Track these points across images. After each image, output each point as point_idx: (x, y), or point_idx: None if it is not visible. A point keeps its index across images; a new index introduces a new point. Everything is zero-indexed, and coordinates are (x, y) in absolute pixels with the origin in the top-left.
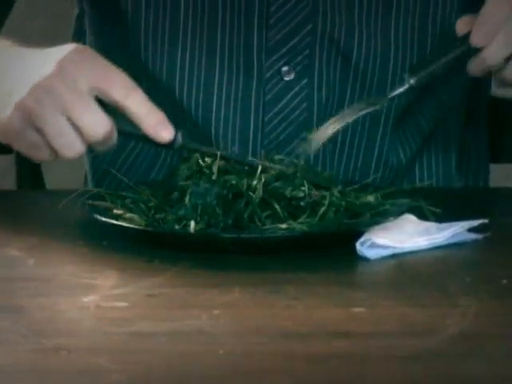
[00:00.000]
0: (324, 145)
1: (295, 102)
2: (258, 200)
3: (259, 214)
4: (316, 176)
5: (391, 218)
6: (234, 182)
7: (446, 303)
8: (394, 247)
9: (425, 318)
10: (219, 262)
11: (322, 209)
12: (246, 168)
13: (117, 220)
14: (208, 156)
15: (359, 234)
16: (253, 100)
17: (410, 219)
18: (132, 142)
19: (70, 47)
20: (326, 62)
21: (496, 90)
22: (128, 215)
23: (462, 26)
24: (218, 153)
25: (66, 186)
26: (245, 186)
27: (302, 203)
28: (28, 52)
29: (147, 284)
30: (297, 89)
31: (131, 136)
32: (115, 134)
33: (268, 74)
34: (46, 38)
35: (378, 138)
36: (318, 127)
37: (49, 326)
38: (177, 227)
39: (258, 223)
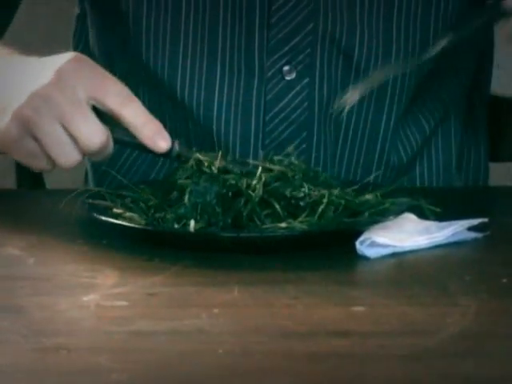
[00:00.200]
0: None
1: (296, 101)
2: (257, 199)
3: (259, 212)
4: (315, 178)
5: (391, 217)
6: (233, 181)
7: (445, 302)
8: (394, 246)
9: (425, 317)
10: (219, 261)
11: (321, 207)
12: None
13: (117, 219)
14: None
15: (359, 233)
16: (254, 99)
17: (409, 218)
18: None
19: (68, 56)
20: (328, 61)
21: (496, 89)
22: (128, 214)
23: None
24: (217, 161)
25: (66, 186)
26: (244, 185)
27: (301, 203)
28: (26, 60)
29: (147, 283)
30: (298, 88)
31: (128, 145)
32: (111, 144)
33: (269, 74)
34: (46, 39)
35: (380, 137)
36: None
37: (49, 325)
38: (176, 226)
39: (258, 222)
